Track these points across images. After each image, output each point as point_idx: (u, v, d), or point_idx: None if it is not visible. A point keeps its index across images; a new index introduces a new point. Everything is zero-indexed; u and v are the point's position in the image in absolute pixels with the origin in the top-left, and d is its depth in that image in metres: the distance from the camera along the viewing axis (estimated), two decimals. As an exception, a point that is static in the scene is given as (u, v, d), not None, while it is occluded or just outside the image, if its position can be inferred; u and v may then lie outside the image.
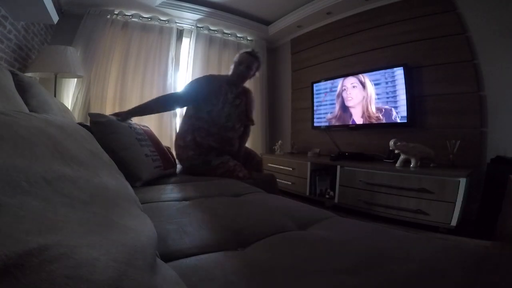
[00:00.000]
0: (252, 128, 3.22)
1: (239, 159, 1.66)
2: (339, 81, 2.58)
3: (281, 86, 3.58)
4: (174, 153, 1.67)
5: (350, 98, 2.50)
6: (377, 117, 2.30)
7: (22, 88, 1.04)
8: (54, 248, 0.20)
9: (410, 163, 1.87)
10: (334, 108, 2.65)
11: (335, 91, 2.63)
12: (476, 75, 1.86)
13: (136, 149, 1.22)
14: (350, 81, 2.49)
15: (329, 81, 2.69)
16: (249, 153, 1.84)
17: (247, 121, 1.73)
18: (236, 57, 1.63)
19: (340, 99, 2.59)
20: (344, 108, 2.56)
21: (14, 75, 1.05)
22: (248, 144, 1.93)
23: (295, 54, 3.31)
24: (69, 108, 2.14)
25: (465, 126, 1.91)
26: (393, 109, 2.20)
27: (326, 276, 0.44)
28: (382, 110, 2.27)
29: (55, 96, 1.96)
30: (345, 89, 2.54)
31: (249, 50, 1.63)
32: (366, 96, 2.38)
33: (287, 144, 3.30)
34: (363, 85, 2.40)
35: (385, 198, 1.88)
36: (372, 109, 2.34)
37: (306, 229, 0.72)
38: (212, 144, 1.54)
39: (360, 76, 2.41)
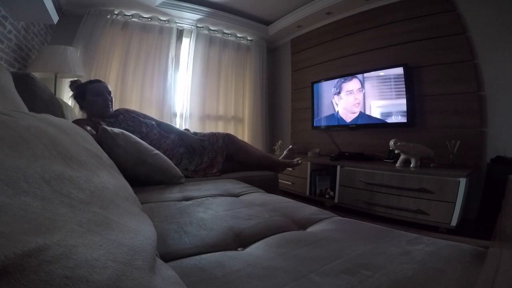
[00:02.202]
0: (252, 128, 3.29)
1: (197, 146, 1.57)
2: (339, 84, 2.58)
3: (281, 86, 3.58)
4: None
5: (349, 100, 2.50)
6: (377, 117, 2.30)
7: (34, 92, 1.05)
8: (53, 248, 0.20)
9: (410, 163, 1.87)
10: (334, 108, 2.65)
11: (335, 92, 2.63)
12: (476, 75, 1.86)
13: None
14: (349, 82, 2.49)
15: (329, 81, 2.69)
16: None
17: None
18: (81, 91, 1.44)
19: (339, 101, 2.59)
20: (344, 110, 2.56)
21: (29, 78, 1.07)
22: (248, 143, 1.88)
23: (295, 54, 3.31)
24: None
25: (465, 126, 1.91)
26: (393, 109, 2.20)
27: (326, 276, 0.44)
28: (382, 110, 2.27)
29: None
30: (343, 92, 2.54)
31: (81, 82, 1.52)
32: (365, 96, 2.38)
33: (287, 144, 3.30)
34: (362, 85, 2.40)
35: (385, 198, 1.88)
36: (372, 109, 2.34)
37: (306, 229, 0.72)
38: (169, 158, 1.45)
39: (360, 76, 2.41)
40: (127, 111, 1.57)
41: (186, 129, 1.75)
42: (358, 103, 2.44)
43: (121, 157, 1.02)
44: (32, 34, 2.02)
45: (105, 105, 1.47)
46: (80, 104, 1.49)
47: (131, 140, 1.11)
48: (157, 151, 1.22)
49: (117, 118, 1.46)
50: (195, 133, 1.68)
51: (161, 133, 1.55)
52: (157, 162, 1.17)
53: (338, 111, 2.62)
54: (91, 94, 1.44)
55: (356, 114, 2.46)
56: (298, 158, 1.96)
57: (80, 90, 1.46)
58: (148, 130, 1.49)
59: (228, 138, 1.66)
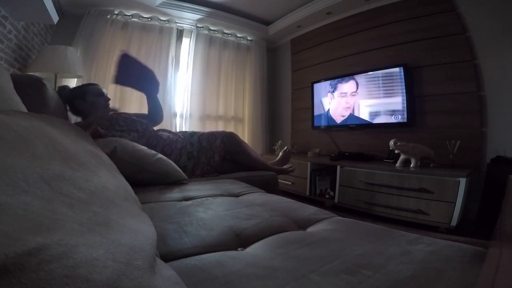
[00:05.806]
0: (252, 128, 3.30)
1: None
2: (337, 84, 2.58)
3: (281, 86, 3.58)
4: None
5: (349, 100, 2.50)
6: (376, 117, 2.30)
7: (44, 100, 1.07)
8: (53, 248, 0.20)
9: (410, 163, 1.87)
10: (333, 108, 2.65)
11: (335, 92, 2.63)
12: (476, 75, 1.86)
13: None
14: (348, 83, 2.49)
15: (329, 81, 2.69)
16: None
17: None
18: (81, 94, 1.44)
19: (338, 101, 2.59)
20: (343, 110, 2.56)
21: (42, 84, 1.09)
22: (248, 145, 1.84)
23: (295, 54, 3.31)
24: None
25: (465, 126, 1.91)
26: (393, 109, 2.20)
27: (326, 276, 0.43)
28: (381, 110, 2.27)
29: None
30: (342, 94, 2.54)
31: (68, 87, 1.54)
32: (366, 96, 2.38)
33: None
34: (358, 86, 2.40)
35: (385, 198, 1.88)
36: (372, 109, 2.34)
37: (306, 229, 0.72)
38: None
39: (360, 76, 2.41)
40: (118, 114, 1.56)
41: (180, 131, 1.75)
42: (357, 104, 2.44)
43: (119, 167, 0.99)
44: (32, 34, 2.02)
45: (107, 105, 1.48)
46: (76, 106, 1.45)
47: (129, 150, 1.09)
48: (159, 156, 1.20)
49: (111, 121, 1.45)
50: (194, 132, 1.66)
51: (155, 130, 1.56)
52: (159, 168, 1.16)
53: (336, 110, 2.61)
54: (94, 95, 1.44)
55: (356, 114, 2.45)
56: (290, 166, 1.94)
57: (80, 92, 1.45)
58: (144, 128, 1.48)
59: (227, 138, 1.63)
